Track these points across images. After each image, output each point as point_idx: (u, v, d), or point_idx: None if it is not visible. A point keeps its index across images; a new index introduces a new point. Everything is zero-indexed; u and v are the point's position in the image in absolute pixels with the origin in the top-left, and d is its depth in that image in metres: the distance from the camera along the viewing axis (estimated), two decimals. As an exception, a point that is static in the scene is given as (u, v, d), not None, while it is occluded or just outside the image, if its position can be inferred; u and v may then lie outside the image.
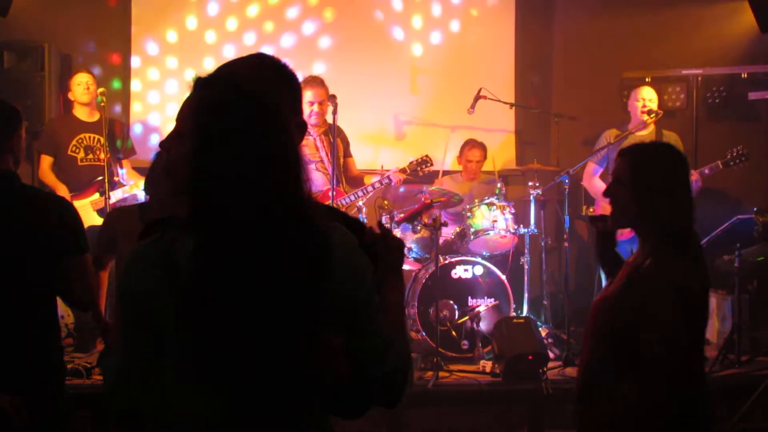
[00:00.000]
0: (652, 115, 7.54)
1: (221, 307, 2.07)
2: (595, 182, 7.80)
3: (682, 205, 3.44)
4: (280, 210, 2.11)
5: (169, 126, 9.89)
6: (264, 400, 2.11)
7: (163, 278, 2.10)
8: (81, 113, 8.20)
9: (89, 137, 8.10)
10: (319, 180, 7.53)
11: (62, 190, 7.87)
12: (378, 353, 2.21)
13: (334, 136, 7.36)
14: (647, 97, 7.72)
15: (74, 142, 8.07)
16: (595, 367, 3.40)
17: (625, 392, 3.25)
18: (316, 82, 7.45)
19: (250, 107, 2.15)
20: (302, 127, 2.56)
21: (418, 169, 7.80)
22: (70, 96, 8.22)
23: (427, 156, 7.83)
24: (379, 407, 2.30)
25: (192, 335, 2.08)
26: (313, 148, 7.49)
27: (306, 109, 7.41)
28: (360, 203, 7.67)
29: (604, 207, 7.67)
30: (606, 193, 3.59)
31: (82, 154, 8.08)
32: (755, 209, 7.63)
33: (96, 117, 8.16)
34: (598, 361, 3.39)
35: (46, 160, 8.10)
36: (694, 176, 7.44)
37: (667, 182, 3.44)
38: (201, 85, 2.24)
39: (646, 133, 7.63)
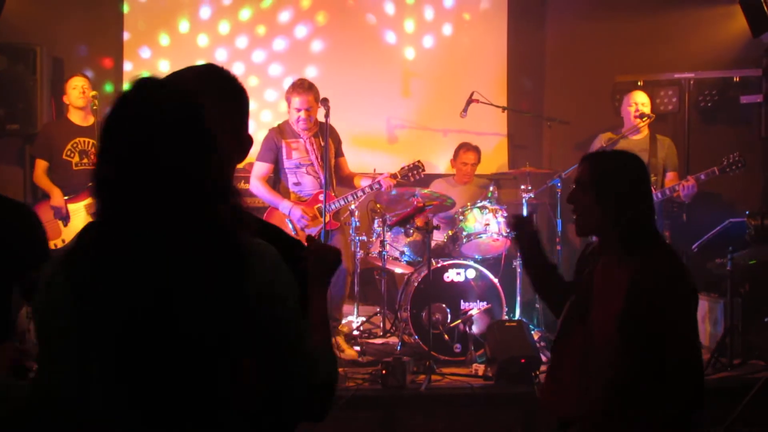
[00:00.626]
0: (644, 119, 7.55)
1: (116, 327, 2.01)
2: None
3: (646, 207, 3.52)
4: (180, 226, 2.03)
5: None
6: (171, 419, 2.06)
7: (66, 293, 2.06)
8: (76, 117, 8.20)
9: (84, 141, 8.10)
10: (308, 184, 7.52)
11: (57, 194, 7.88)
12: (304, 370, 2.16)
13: (326, 138, 7.35)
14: (640, 101, 7.73)
15: (69, 147, 8.07)
16: (622, 383, 3.35)
17: (657, 403, 3.27)
18: (303, 87, 7.38)
19: (156, 117, 2.07)
20: (243, 142, 2.44)
21: (410, 174, 7.77)
22: (65, 99, 8.22)
23: (419, 162, 7.80)
24: (306, 422, 2.29)
25: (95, 353, 2.04)
26: (303, 151, 7.48)
27: (293, 115, 7.42)
28: (352, 206, 7.67)
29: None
30: (569, 199, 3.60)
31: (76, 159, 8.08)
32: (747, 212, 7.65)
33: (90, 121, 8.17)
34: (623, 376, 3.35)
35: (41, 165, 8.10)
36: (690, 181, 7.43)
37: (629, 185, 3.51)
38: (132, 86, 2.14)
39: (640, 138, 7.65)
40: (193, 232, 2.04)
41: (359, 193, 7.59)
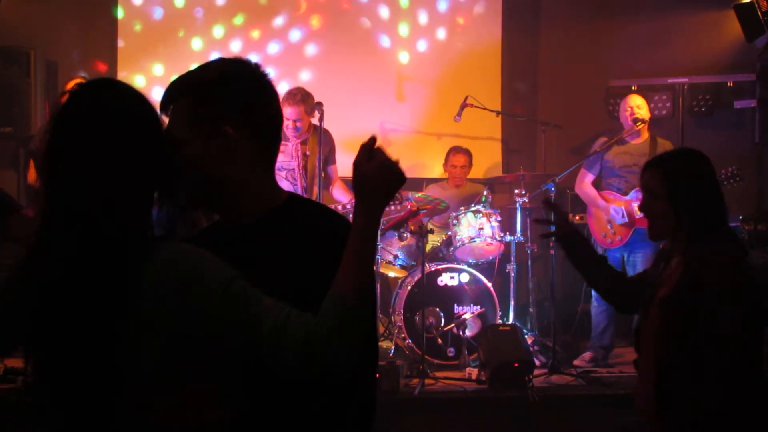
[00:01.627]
0: (638, 124, 7.54)
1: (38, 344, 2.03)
2: (587, 189, 7.79)
3: (717, 203, 3.51)
4: (74, 232, 2.01)
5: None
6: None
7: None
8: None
9: None
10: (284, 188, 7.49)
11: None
12: (275, 334, 1.97)
13: (321, 142, 7.33)
14: (634, 104, 7.69)
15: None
16: (673, 373, 3.37)
17: (711, 394, 3.27)
18: (295, 99, 7.27)
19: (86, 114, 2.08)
20: (223, 137, 2.26)
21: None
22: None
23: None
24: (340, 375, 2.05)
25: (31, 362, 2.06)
26: (288, 155, 7.46)
27: (284, 121, 7.43)
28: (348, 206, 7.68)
29: (595, 213, 7.70)
30: (641, 208, 3.63)
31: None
32: (741, 217, 7.64)
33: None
34: (674, 366, 3.36)
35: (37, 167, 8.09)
36: None
37: (697, 183, 3.51)
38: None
39: (640, 142, 7.63)
40: (70, 246, 2.00)
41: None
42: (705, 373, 3.26)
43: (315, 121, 7.39)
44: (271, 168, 2.39)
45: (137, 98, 2.15)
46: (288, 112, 7.31)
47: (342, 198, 7.65)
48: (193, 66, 2.45)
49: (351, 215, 2.21)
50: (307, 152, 7.48)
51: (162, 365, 1.98)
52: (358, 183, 2.21)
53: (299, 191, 7.29)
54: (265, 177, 2.34)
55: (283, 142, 7.47)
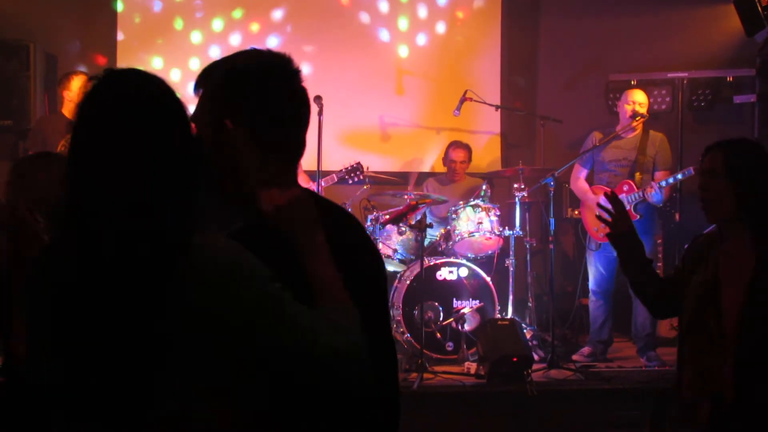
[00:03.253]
0: (637, 119, 7.51)
1: (62, 339, 1.97)
2: (580, 184, 7.79)
3: None
4: (105, 229, 1.93)
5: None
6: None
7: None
8: (70, 112, 8.17)
9: None
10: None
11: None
12: (305, 349, 1.97)
13: (320, 137, 7.33)
14: (638, 100, 7.60)
15: (63, 142, 8.04)
16: (760, 353, 3.41)
17: None
18: None
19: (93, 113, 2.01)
20: (225, 131, 2.24)
21: (347, 177, 7.83)
22: (66, 94, 8.16)
23: (358, 163, 7.89)
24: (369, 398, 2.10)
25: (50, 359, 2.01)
26: None
27: None
28: (347, 202, 7.70)
29: (588, 207, 7.69)
30: (701, 186, 3.64)
31: (71, 153, 8.05)
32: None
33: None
34: (762, 347, 3.41)
35: None
36: (653, 188, 7.30)
37: (760, 169, 3.56)
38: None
39: (632, 136, 7.60)
40: (103, 242, 1.94)
41: None
42: None
43: (313, 115, 7.37)
44: (284, 166, 2.31)
45: (163, 87, 2.07)
46: None
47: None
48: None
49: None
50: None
51: (196, 366, 1.93)
52: (284, 222, 2.19)
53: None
54: (272, 174, 2.27)
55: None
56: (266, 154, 2.25)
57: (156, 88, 2.05)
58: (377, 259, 2.32)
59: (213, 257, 1.96)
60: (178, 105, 2.06)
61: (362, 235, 2.33)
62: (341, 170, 7.88)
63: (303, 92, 2.32)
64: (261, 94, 2.25)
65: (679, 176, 7.31)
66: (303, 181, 7.62)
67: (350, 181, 7.90)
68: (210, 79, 2.27)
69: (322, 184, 7.73)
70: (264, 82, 2.26)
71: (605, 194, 4.14)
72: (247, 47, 2.37)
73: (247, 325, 1.94)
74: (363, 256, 2.27)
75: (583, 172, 7.79)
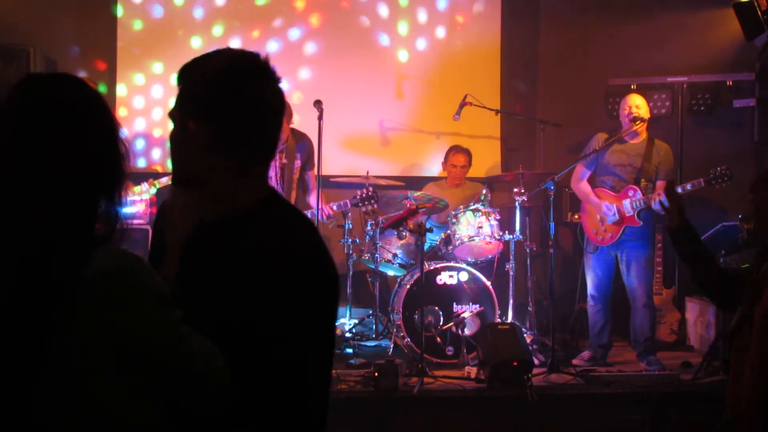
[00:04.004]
0: (637, 123, 7.51)
1: None
2: (583, 185, 7.78)
3: None
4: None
5: (156, 130, 9.76)
6: None
7: None
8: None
9: None
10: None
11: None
12: (201, 373, 2.04)
13: (320, 143, 7.31)
14: (634, 103, 7.62)
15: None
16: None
17: None
18: None
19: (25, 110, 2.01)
20: (188, 131, 2.26)
21: (361, 204, 7.79)
22: None
23: (374, 191, 7.78)
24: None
25: None
26: None
27: None
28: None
29: (588, 210, 7.68)
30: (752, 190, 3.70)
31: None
32: (740, 216, 7.63)
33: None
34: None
35: None
36: (660, 196, 7.30)
37: None
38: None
39: (637, 142, 7.58)
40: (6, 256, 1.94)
41: None
42: None
43: (313, 119, 7.38)
44: (248, 169, 2.29)
45: (77, 95, 2.06)
46: None
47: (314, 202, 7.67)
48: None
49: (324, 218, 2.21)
50: (284, 160, 7.48)
51: (87, 365, 1.94)
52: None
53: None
54: (232, 178, 2.26)
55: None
56: (234, 152, 2.25)
57: (68, 95, 2.05)
58: (303, 268, 2.18)
59: (105, 270, 1.95)
60: (91, 111, 2.06)
61: (289, 241, 2.22)
62: (355, 196, 7.78)
63: (275, 91, 2.32)
64: (231, 93, 2.24)
65: (689, 186, 7.30)
66: (314, 200, 7.66)
67: (363, 209, 7.85)
68: (182, 77, 2.28)
69: (334, 207, 7.71)
70: (233, 80, 2.25)
71: (665, 189, 4.12)
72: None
73: (132, 341, 1.96)
74: (278, 262, 2.15)
75: (587, 174, 7.77)
